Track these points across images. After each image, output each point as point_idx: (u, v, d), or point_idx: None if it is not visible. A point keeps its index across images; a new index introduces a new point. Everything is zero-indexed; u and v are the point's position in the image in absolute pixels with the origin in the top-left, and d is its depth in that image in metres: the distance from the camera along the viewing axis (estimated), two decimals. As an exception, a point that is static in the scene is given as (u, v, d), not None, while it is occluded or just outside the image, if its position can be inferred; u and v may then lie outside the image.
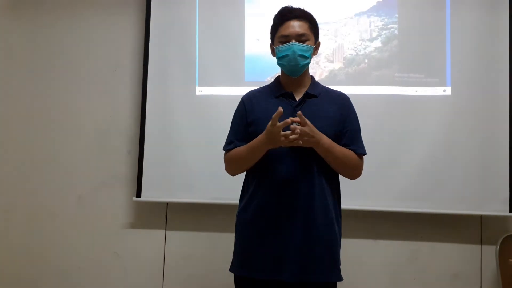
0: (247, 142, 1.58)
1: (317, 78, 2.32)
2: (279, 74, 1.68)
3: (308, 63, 1.59)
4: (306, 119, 1.43)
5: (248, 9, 2.43)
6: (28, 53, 2.66)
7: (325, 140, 1.50)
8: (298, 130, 1.42)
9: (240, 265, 1.58)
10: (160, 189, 2.42)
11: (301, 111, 1.48)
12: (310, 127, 1.44)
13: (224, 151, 1.67)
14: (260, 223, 1.54)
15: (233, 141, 1.63)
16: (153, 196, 2.43)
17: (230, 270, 1.60)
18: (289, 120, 1.41)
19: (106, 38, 2.62)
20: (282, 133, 1.41)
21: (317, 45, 1.62)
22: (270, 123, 1.43)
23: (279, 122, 1.42)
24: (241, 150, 1.58)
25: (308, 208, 1.51)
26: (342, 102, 1.63)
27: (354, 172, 1.64)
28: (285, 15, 1.57)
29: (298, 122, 1.43)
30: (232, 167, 1.65)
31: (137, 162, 2.45)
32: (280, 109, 1.41)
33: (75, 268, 2.54)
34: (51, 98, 2.63)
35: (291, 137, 1.42)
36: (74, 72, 2.62)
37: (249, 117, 1.61)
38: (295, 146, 1.45)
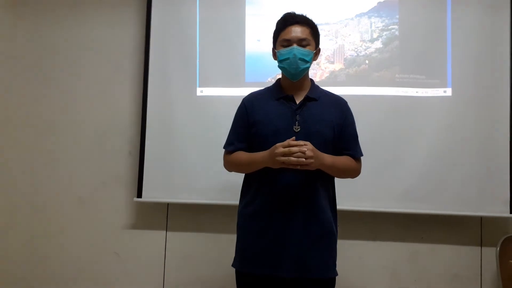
0: (247, 143, 1.64)
1: (317, 79, 2.34)
2: (280, 77, 1.71)
3: (308, 67, 1.62)
4: (306, 142, 1.47)
5: (249, 10, 2.42)
6: (28, 53, 2.66)
7: (327, 159, 1.54)
8: (303, 152, 1.44)
9: (241, 261, 1.63)
10: (160, 189, 2.42)
11: (301, 114, 1.58)
12: (310, 150, 1.46)
13: (224, 149, 1.71)
14: (261, 220, 1.58)
15: (233, 142, 1.67)
16: (153, 197, 2.43)
17: (233, 265, 1.66)
18: (294, 148, 1.44)
19: (107, 39, 2.62)
20: (283, 158, 1.44)
21: (317, 51, 1.66)
22: (277, 144, 1.47)
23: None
24: (242, 158, 1.62)
25: (307, 207, 1.57)
26: (341, 106, 1.67)
27: (354, 175, 1.70)
28: (288, 21, 1.61)
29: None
30: (230, 168, 1.71)
31: (138, 162, 2.45)
32: (293, 140, 1.46)
33: (75, 268, 2.54)
34: (51, 99, 2.63)
35: (291, 159, 1.44)
36: (74, 72, 2.62)
37: (250, 118, 1.64)
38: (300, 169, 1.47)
